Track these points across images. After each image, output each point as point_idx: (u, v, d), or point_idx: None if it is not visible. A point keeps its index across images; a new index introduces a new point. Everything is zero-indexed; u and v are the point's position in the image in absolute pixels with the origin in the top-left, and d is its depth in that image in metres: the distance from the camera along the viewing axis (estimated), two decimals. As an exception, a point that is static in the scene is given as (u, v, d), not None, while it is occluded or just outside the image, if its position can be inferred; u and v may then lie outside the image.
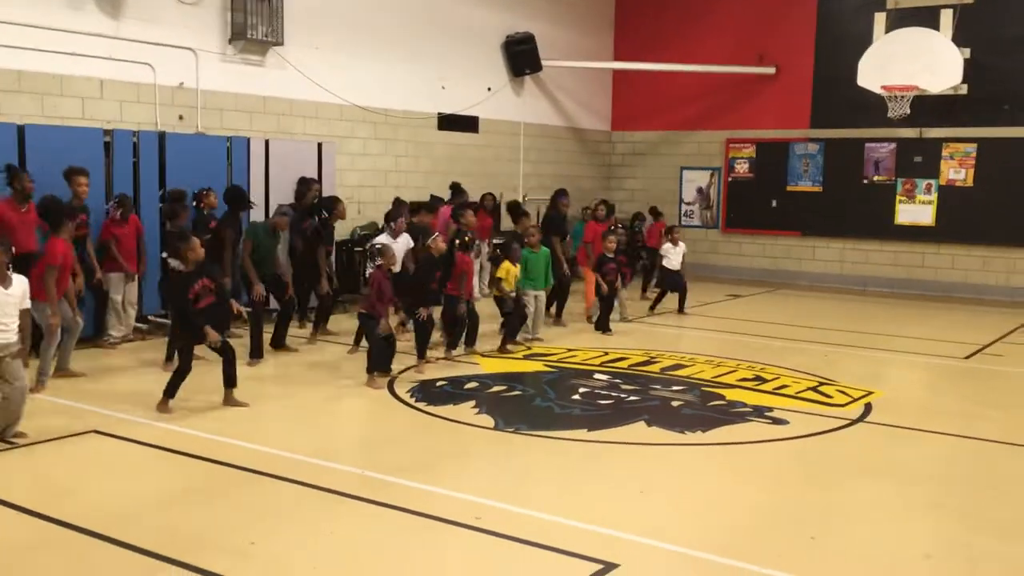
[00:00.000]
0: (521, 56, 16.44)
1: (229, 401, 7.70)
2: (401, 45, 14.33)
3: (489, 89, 16.09)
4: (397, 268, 9.73)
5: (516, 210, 12.69)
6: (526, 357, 10.04)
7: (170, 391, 7.46)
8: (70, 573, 4.59)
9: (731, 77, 17.84)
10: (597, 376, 9.16)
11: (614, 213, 14.63)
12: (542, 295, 11.14)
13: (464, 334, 10.06)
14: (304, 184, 11.05)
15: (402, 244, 10.50)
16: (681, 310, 13.60)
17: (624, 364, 9.75)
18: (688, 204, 18.85)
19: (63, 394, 7.85)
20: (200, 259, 7.62)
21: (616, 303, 12.05)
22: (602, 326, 11.73)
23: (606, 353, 10.25)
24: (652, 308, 13.65)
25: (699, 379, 9.14)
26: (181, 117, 11.47)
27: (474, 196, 13.96)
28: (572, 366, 9.64)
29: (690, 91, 18.33)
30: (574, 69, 17.86)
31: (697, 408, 8.08)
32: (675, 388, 8.74)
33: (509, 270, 10.52)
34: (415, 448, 6.77)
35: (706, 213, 18.68)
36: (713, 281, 17.36)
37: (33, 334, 6.88)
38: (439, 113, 15.16)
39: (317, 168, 12.25)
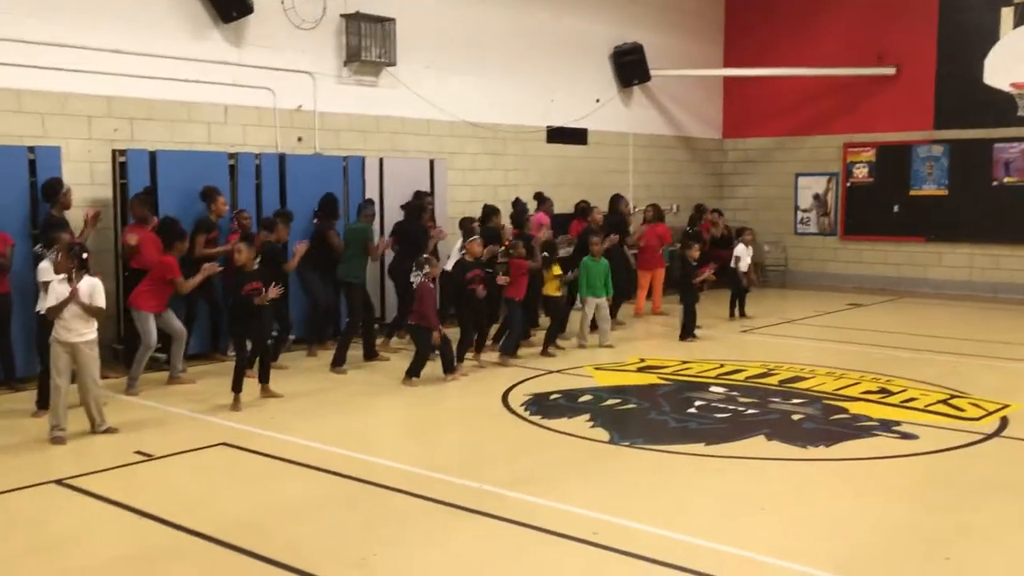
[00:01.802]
0: (629, 66, 16.35)
1: (264, 393, 8.43)
2: (509, 60, 14.47)
3: (598, 101, 16.07)
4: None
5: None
6: (639, 370, 9.95)
7: (236, 386, 8.06)
8: (202, 581, 4.77)
9: (848, 79, 17.31)
10: (713, 389, 9.00)
11: (662, 217, 14.44)
12: (604, 302, 11.16)
13: (514, 336, 10.26)
14: (416, 197, 11.30)
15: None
16: (743, 314, 13.39)
17: (741, 376, 9.55)
18: (804, 211, 18.36)
19: (191, 407, 8.18)
20: (245, 263, 8.17)
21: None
22: (689, 333, 11.65)
23: (721, 365, 10.06)
24: (731, 314, 13.43)
25: (820, 392, 8.86)
26: (300, 139, 11.86)
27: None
28: (687, 379, 9.49)
29: (804, 95, 17.87)
30: (683, 77, 17.66)
31: (819, 422, 7.84)
32: (795, 401, 8.50)
33: (554, 268, 10.64)
34: (530, 461, 6.78)
35: (823, 220, 18.14)
36: (832, 290, 16.86)
37: (132, 341, 7.69)
38: (548, 126, 15.22)
39: (429, 184, 12.47)
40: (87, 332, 7.07)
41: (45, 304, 7.10)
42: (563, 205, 13.92)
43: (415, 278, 9.16)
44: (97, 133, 10.05)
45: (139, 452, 6.81)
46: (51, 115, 9.73)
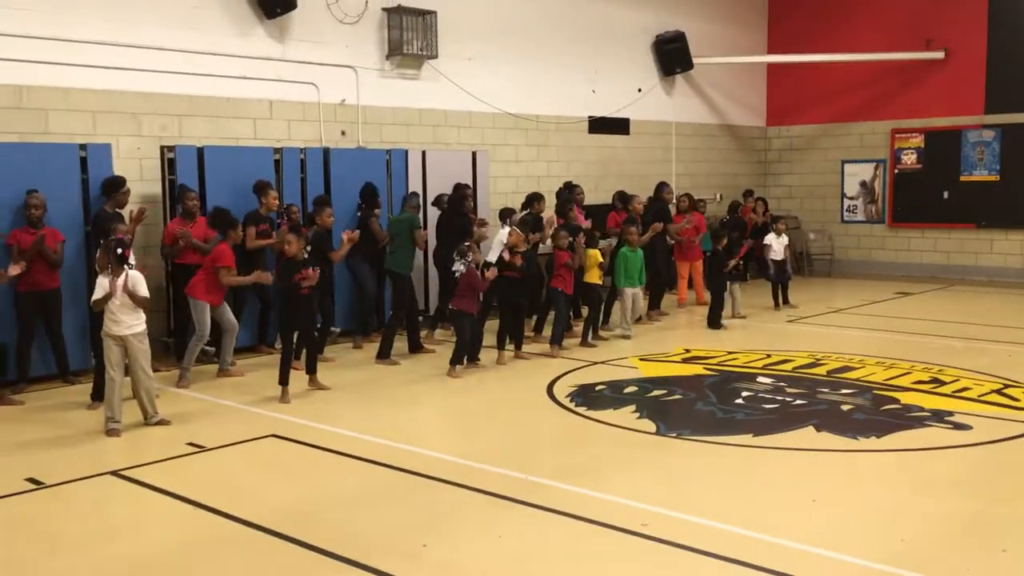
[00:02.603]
0: (672, 55, 16.22)
1: (313, 384, 8.55)
2: (550, 51, 14.43)
3: (640, 90, 15.96)
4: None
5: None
6: (685, 360, 9.89)
7: (282, 379, 8.21)
8: (253, 570, 4.82)
9: (895, 64, 17.01)
10: (760, 379, 8.91)
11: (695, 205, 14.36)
12: (639, 292, 11.22)
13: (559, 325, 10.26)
14: (456, 189, 11.35)
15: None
16: (786, 302, 13.27)
17: (788, 367, 9.44)
18: (851, 199, 18.10)
19: (241, 399, 8.29)
20: (295, 253, 8.26)
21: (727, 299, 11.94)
22: (715, 322, 11.63)
23: (768, 355, 9.96)
24: (776, 304, 13.30)
25: (870, 382, 8.74)
26: (344, 133, 11.94)
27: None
28: (733, 369, 9.41)
29: (850, 81, 17.59)
30: (726, 65, 17.48)
31: (869, 412, 7.73)
32: (844, 391, 8.39)
33: (596, 256, 10.65)
34: (577, 453, 6.78)
35: (870, 207, 17.87)
36: (880, 278, 16.61)
37: (184, 332, 8.16)
38: (590, 116, 15.16)
39: (472, 176, 12.49)
40: (135, 324, 7.22)
41: (94, 296, 7.24)
42: (606, 196, 13.87)
43: (458, 266, 9.20)
44: (145, 130, 10.21)
45: (191, 444, 6.92)
46: (101, 113, 9.89)
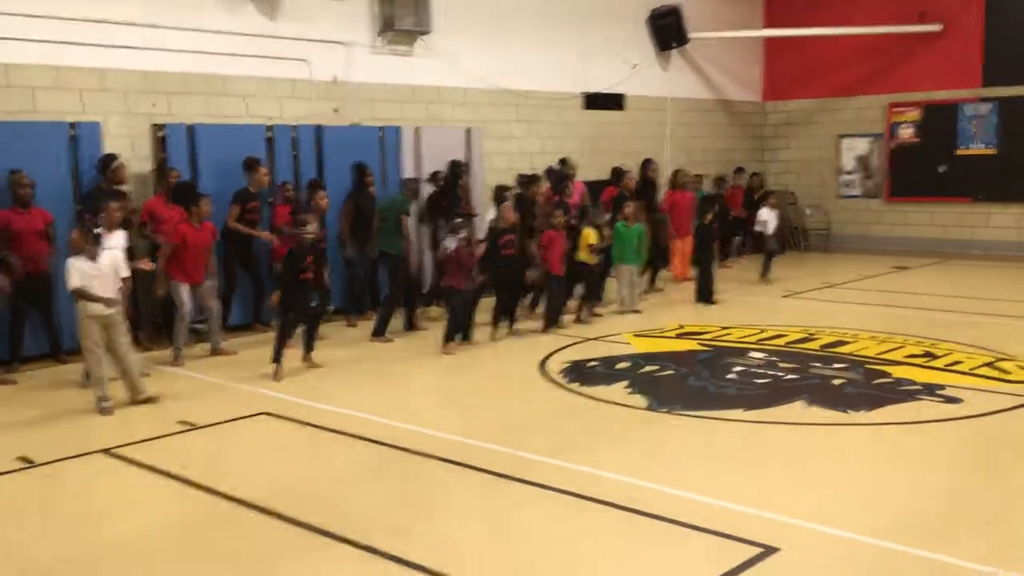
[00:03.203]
0: (666, 30, 16.11)
1: (307, 362, 8.58)
2: (544, 27, 14.32)
3: (635, 65, 15.86)
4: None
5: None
6: (679, 336, 9.89)
7: (276, 357, 8.21)
8: (246, 548, 4.83)
9: (891, 38, 16.89)
10: (753, 354, 8.92)
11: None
12: (634, 269, 11.15)
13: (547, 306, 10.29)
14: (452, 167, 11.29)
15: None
16: (764, 276, 13.36)
17: (781, 341, 9.45)
18: (848, 174, 18.04)
19: (234, 377, 8.30)
20: (317, 234, 8.54)
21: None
22: (705, 297, 11.65)
23: (762, 330, 9.96)
24: (764, 276, 13.39)
25: (863, 356, 8.74)
26: (336, 110, 11.86)
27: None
28: (727, 344, 9.42)
29: (847, 55, 17.48)
30: (722, 40, 17.35)
31: (861, 386, 7.74)
32: (837, 366, 8.40)
33: (587, 235, 10.54)
34: (568, 429, 6.78)
35: (867, 182, 17.82)
36: (877, 253, 16.59)
37: (168, 312, 8.76)
38: (584, 92, 15.07)
39: (466, 153, 12.43)
40: (115, 303, 7.22)
41: (71, 283, 7.13)
42: (602, 171, 13.80)
43: (449, 243, 9.19)
44: (135, 108, 10.14)
45: (182, 422, 6.93)
46: (90, 91, 9.82)
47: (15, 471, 5.94)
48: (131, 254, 8.19)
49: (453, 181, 11.06)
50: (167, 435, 6.69)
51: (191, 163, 9.96)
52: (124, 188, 9.25)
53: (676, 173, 13.93)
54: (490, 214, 10.75)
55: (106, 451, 6.29)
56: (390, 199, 10.49)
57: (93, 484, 5.83)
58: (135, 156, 10.03)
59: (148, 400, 7.43)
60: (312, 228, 8.40)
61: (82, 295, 7.12)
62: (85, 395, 7.67)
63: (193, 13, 10.51)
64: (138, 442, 6.50)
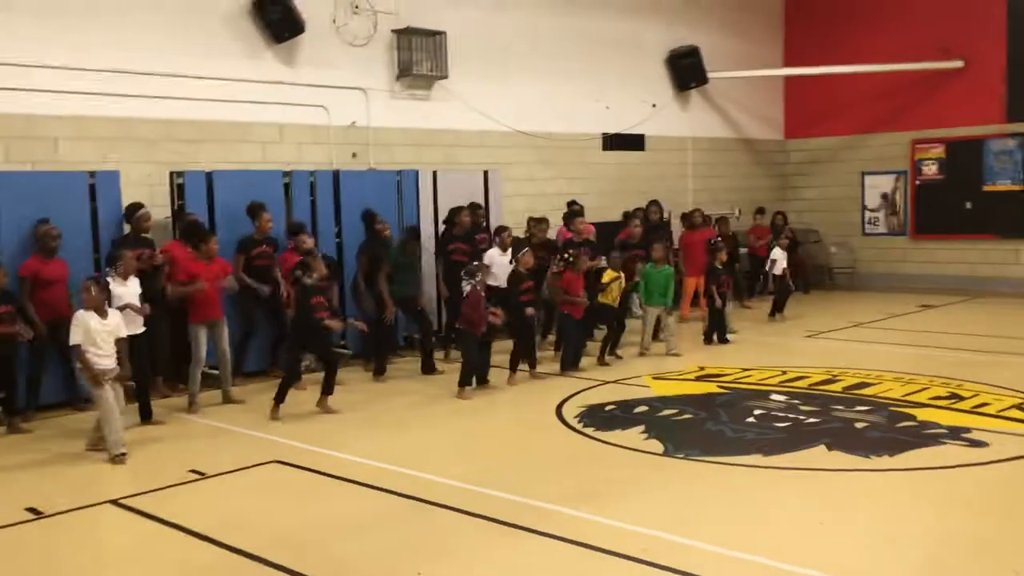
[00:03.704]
0: (686, 70, 16.14)
1: (322, 406, 8.54)
2: (563, 69, 14.39)
3: (654, 106, 15.88)
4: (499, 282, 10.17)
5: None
6: (698, 378, 9.74)
7: (279, 397, 8.35)
8: (247, 601, 4.76)
9: (913, 74, 16.79)
10: (774, 397, 8.75)
11: (710, 222, 14.60)
12: (663, 312, 11.02)
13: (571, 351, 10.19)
14: (452, 212, 11.29)
15: (508, 259, 10.55)
16: (775, 314, 13.35)
17: (803, 383, 9.27)
18: (872, 211, 17.86)
19: (246, 425, 8.26)
20: (323, 274, 8.62)
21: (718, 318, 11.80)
22: (714, 339, 11.58)
23: (784, 372, 9.80)
24: (774, 314, 13.40)
25: (887, 398, 8.55)
26: (354, 155, 11.95)
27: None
28: (747, 387, 9.26)
29: (869, 92, 17.38)
30: (742, 79, 17.34)
31: (884, 430, 7.55)
32: (859, 408, 8.22)
33: (610, 276, 10.50)
34: (581, 475, 6.66)
35: (892, 219, 17.63)
36: (903, 291, 16.34)
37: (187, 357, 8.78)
38: (603, 133, 15.09)
39: (484, 195, 12.44)
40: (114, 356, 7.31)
41: (73, 338, 7.16)
42: (620, 214, 13.81)
43: (466, 286, 9.15)
44: (156, 156, 10.26)
45: (193, 471, 6.88)
46: (110, 140, 9.96)
47: (23, 522, 5.91)
48: (145, 299, 8.27)
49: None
50: (177, 484, 6.64)
51: (209, 210, 10.02)
52: (148, 236, 9.34)
53: (691, 214, 13.89)
54: (488, 258, 10.62)
55: (114, 502, 6.24)
56: (397, 255, 10.34)
57: (97, 536, 5.80)
58: (154, 204, 10.08)
59: (118, 459, 7.16)
60: (316, 274, 8.49)
61: (81, 359, 7.18)
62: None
63: (213, 62, 10.66)
64: (147, 492, 6.45)
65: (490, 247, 11.05)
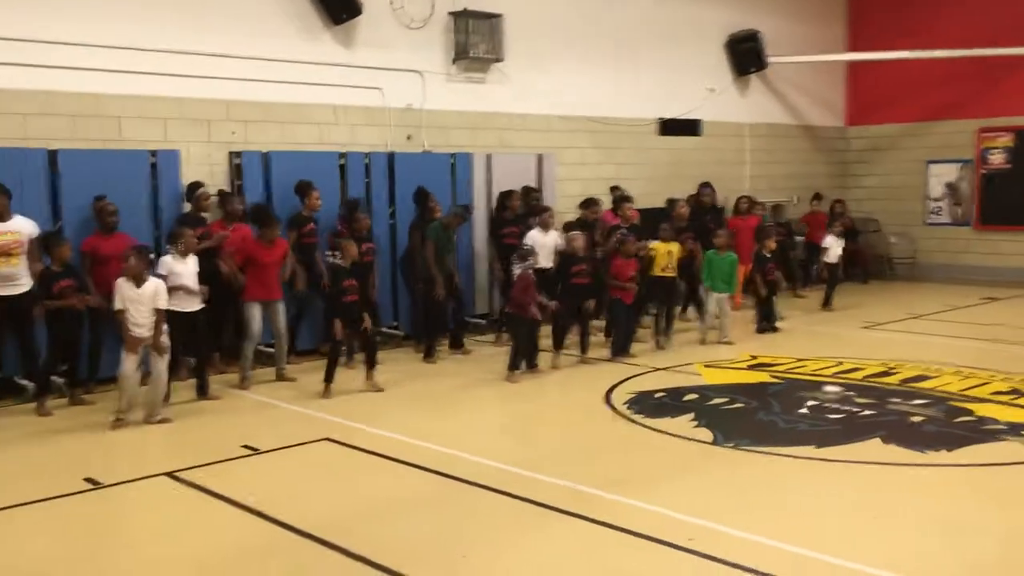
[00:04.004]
0: (745, 54, 15.87)
1: (370, 382, 8.73)
2: (620, 52, 14.25)
3: (712, 90, 15.65)
4: (547, 264, 10.17)
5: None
6: (751, 367, 9.63)
7: (327, 376, 8.50)
8: (294, 577, 4.84)
9: (982, 60, 16.26)
10: (828, 388, 8.61)
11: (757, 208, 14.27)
12: (724, 298, 10.88)
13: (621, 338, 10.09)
14: (503, 196, 11.34)
15: (551, 240, 10.56)
16: (826, 304, 13.13)
17: (859, 375, 9.11)
18: (935, 200, 17.42)
19: (298, 403, 8.39)
20: (355, 257, 8.69)
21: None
22: (764, 328, 11.43)
23: (839, 363, 9.63)
24: (825, 305, 13.16)
25: (945, 392, 8.37)
26: (409, 137, 11.97)
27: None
28: (800, 377, 9.13)
29: (934, 78, 16.91)
30: (803, 64, 16.99)
31: (941, 424, 7.39)
32: (917, 402, 8.05)
33: (658, 249, 10.47)
34: (629, 462, 6.64)
35: (956, 209, 17.18)
36: (966, 283, 15.94)
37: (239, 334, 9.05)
38: (660, 118, 14.93)
39: (537, 179, 12.41)
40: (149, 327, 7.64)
41: (116, 304, 7.58)
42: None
43: (517, 269, 9.15)
44: (215, 136, 10.40)
45: (246, 446, 7.00)
46: (172, 120, 10.11)
47: (80, 492, 6.07)
48: (202, 278, 8.43)
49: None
50: (231, 459, 6.76)
51: (265, 189, 10.16)
52: (206, 215, 9.51)
53: (738, 201, 13.71)
54: (529, 239, 10.54)
55: (170, 474, 6.38)
56: (433, 230, 10.32)
57: (152, 507, 5.91)
58: (214, 183, 10.25)
59: (163, 421, 7.70)
60: (347, 254, 8.63)
61: (120, 321, 7.53)
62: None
63: (272, 43, 10.74)
64: (202, 465, 6.58)
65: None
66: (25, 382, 8.49)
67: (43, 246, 8.24)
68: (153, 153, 9.51)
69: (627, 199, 11.72)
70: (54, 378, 8.37)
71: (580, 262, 9.73)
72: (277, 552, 5.11)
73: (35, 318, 8.07)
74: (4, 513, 5.69)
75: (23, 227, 8.10)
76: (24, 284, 8.05)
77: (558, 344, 9.71)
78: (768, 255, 11.57)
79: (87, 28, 9.44)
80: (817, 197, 15.87)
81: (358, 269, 8.92)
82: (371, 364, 8.77)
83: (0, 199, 7.95)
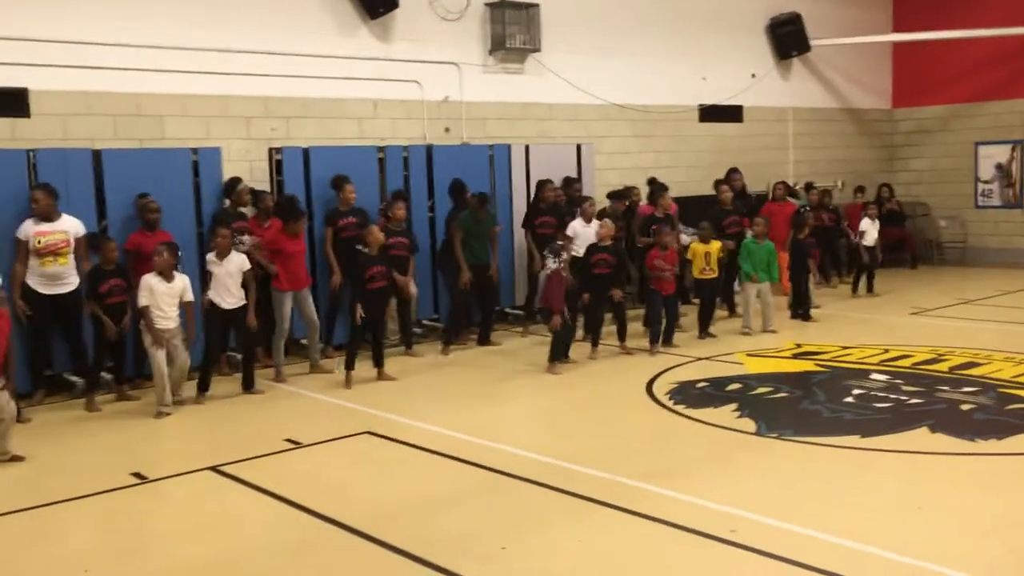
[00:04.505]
0: (787, 38, 15.64)
1: (381, 376, 8.86)
2: (658, 39, 14.12)
3: (753, 75, 15.44)
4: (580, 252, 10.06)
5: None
6: (795, 356, 9.50)
7: (348, 363, 8.75)
8: (333, 570, 4.85)
9: (1032, 38, 15.86)
10: (874, 376, 8.46)
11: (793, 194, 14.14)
12: (766, 287, 10.70)
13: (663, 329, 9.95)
14: (539, 185, 11.28)
15: (592, 231, 10.40)
16: (871, 291, 12.97)
17: (906, 363, 8.94)
18: (985, 183, 17.02)
19: (336, 395, 8.45)
20: (381, 242, 8.84)
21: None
22: (798, 314, 11.31)
23: (886, 351, 9.46)
24: (855, 290, 13.11)
25: (996, 379, 8.18)
26: (447, 129, 11.99)
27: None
28: (846, 365, 8.98)
29: (983, 58, 16.50)
30: (847, 46, 16.68)
31: (992, 412, 7.22)
32: (966, 389, 7.88)
33: (696, 251, 10.33)
34: (670, 453, 6.58)
35: (1007, 191, 16.77)
36: (1018, 267, 15.59)
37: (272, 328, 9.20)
38: (700, 105, 14.76)
39: (577, 169, 12.34)
40: (178, 318, 7.99)
41: (140, 300, 7.87)
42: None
43: (551, 263, 9.08)
44: (255, 133, 10.50)
45: (289, 440, 7.07)
46: (213, 118, 10.23)
47: (128, 487, 6.16)
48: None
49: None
50: (274, 453, 6.83)
51: (305, 185, 10.22)
52: (245, 211, 9.61)
53: (775, 186, 13.52)
54: (571, 229, 10.54)
55: (214, 468, 6.46)
56: (463, 220, 10.39)
57: (196, 501, 5.99)
58: (254, 180, 10.34)
59: (181, 402, 8.10)
60: (372, 242, 8.77)
61: (146, 317, 7.79)
62: (199, 413, 7.99)
63: (309, 38, 10.82)
64: (245, 460, 6.65)
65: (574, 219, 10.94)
66: (74, 378, 8.66)
67: (91, 245, 8.39)
68: (195, 151, 9.62)
69: (664, 189, 11.58)
70: (102, 374, 8.52)
71: (601, 251, 9.65)
72: (320, 546, 5.15)
73: (83, 316, 8.23)
74: (55, 507, 5.81)
75: (71, 227, 8.25)
76: (72, 283, 8.22)
77: (595, 335, 9.66)
78: (804, 241, 11.41)
79: (128, 29, 9.58)
80: (860, 190, 15.54)
81: (387, 257, 8.99)
82: (377, 363, 8.91)
83: (47, 199, 8.09)
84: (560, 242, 9.51)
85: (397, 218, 9.83)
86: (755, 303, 10.74)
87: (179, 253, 8.03)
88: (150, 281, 7.81)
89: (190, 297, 8.06)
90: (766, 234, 10.88)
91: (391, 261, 9.13)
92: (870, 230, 13.05)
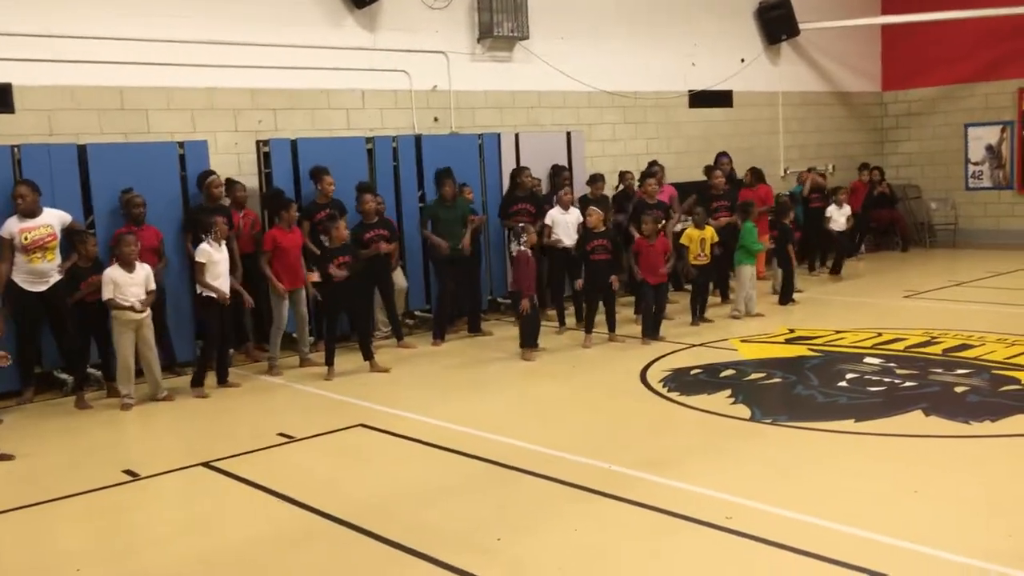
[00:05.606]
0: (776, 22, 15.59)
1: (372, 367, 8.89)
2: (647, 25, 14.06)
3: (742, 60, 15.39)
4: (569, 242, 10.27)
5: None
6: (788, 341, 9.48)
7: (327, 359, 8.78)
8: (327, 565, 4.81)
9: (1020, 18, 15.75)
10: (868, 360, 8.45)
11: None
12: (752, 270, 10.76)
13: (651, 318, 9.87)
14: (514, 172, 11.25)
15: (572, 218, 10.46)
16: (836, 272, 13.07)
17: (900, 346, 8.93)
18: (976, 164, 17.02)
19: (328, 389, 8.41)
20: (344, 239, 8.87)
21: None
22: (784, 299, 11.34)
23: (879, 334, 9.45)
24: (812, 268, 13.44)
25: (989, 361, 8.17)
26: (436, 119, 11.92)
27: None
28: (839, 349, 8.97)
29: (973, 39, 16.47)
30: (836, 29, 16.64)
31: (986, 394, 7.22)
32: (960, 372, 7.87)
33: (691, 237, 10.32)
34: (665, 441, 6.56)
35: (998, 173, 16.78)
36: (1008, 248, 15.60)
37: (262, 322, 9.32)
38: (690, 91, 14.72)
39: (567, 157, 12.29)
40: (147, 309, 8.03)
41: (104, 294, 7.89)
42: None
43: (514, 247, 9.11)
44: (242, 125, 10.41)
45: (282, 434, 7.02)
46: (199, 110, 10.15)
47: (119, 484, 6.12)
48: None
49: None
50: (267, 447, 6.78)
51: (294, 177, 10.14)
52: (224, 203, 9.44)
53: (746, 172, 13.41)
54: (549, 217, 10.51)
55: (206, 464, 6.42)
56: (431, 207, 10.44)
57: (189, 498, 5.95)
58: (242, 172, 10.29)
59: (166, 398, 8.10)
60: (333, 235, 8.77)
61: (113, 305, 7.83)
62: (192, 408, 7.93)
63: (297, 30, 10.73)
64: (239, 455, 6.61)
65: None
66: (64, 376, 8.60)
67: (69, 242, 8.28)
68: (181, 145, 9.53)
69: (650, 175, 11.50)
70: (91, 371, 8.46)
71: (598, 237, 9.61)
72: (315, 540, 5.11)
73: (68, 309, 8.14)
74: (47, 506, 5.76)
75: (55, 219, 8.16)
76: (54, 278, 8.12)
77: (588, 323, 9.63)
78: (788, 226, 11.43)
79: (110, 22, 9.48)
80: (864, 166, 15.56)
81: (351, 249, 8.95)
82: (365, 356, 8.91)
83: (31, 195, 8.00)
84: (521, 224, 9.47)
85: (366, 212, 9.73)
86: (748, 287, 10.72)
87: (138, 244, 8.12)
88: (112, 274, 7.84)
89: (153, 286, 8.10)
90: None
91: (356, 253, 9.06)
92: (836, 215, 13.05)
